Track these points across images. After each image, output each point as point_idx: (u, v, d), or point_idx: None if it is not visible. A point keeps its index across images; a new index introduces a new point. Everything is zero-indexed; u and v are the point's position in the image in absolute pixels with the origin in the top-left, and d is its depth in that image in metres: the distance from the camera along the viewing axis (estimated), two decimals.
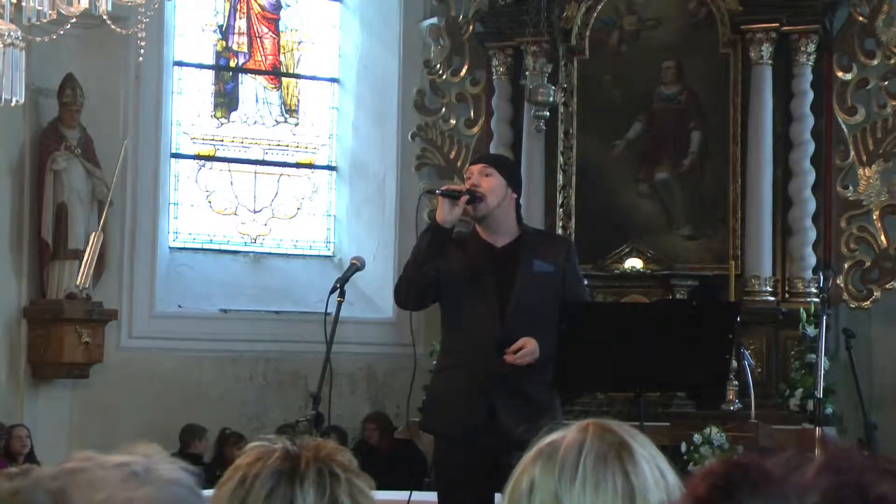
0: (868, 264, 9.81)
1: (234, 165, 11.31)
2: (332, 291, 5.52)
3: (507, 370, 5.32)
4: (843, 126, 9.88)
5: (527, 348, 5.29)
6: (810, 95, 9.78)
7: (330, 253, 11.39)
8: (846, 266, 9.79)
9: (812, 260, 9.73)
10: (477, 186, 5.44)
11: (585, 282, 6.19)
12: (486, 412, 5.36)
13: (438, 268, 5.44)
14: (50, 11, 5.97)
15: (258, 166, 11.37)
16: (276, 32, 11.50)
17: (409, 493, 5.83)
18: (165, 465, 1.23)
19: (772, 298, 9.69)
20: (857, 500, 1.08)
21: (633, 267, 9.79)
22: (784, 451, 1.12)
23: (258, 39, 11.41)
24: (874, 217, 9.82)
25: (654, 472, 1.88)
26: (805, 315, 9.44)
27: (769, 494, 1.08)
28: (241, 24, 11.36)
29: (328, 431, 8.36)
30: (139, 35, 6.29)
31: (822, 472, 1.09)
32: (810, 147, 9.76)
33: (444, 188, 5.71)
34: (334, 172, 11.49)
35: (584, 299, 5.83)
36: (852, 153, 9.86)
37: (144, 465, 1.21)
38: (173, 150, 10.96)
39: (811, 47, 9.76)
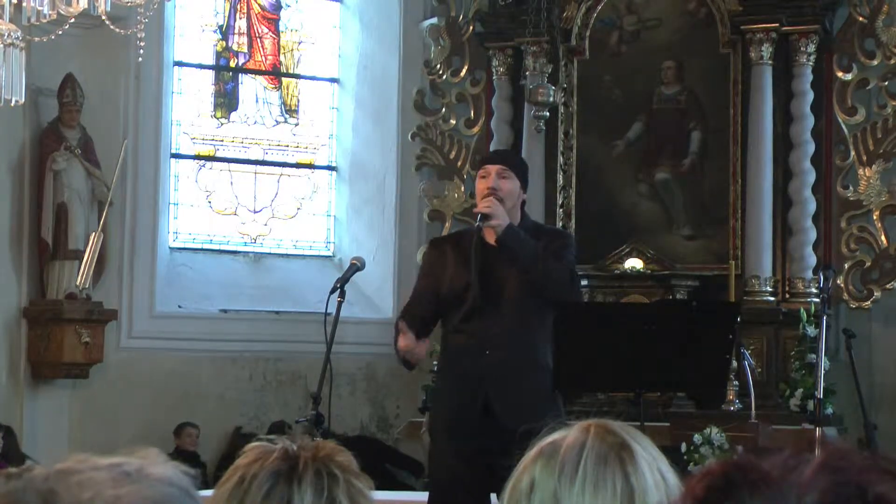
0: (868, 264, 9.80)
1: (234, 165, 11.30)
2: (332, 291, 5.52)
3: (498, 363, 5.32)
4: (843, 126, 9.88)
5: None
6: (810, 95, 9.78)
7: (330, 253, 11.38)
8: (846, 266, 9.78)
9: (812, 260, 9.72)
10: (495, 190, 5.45)
11: (584, 283, 6.10)
12: (480, 408, 5.34)
13: (435, 290, 5.48)
14: (50, 11, 5.97)
15: (258, 166, 11.36)
16: (276, 32, 11.49)
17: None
18: (159, 465, 1.23)
19: (772, 298, 9.69)
20: (855, 500, 1.08)
21: (633, 267, 9.78)
22: (782, 450, 1.12)
23: (258, 39, 11.40)
24: (874, 217, 9.82)
25: (654, 475, 1.88)
26: (805, 315, 9.43)
27: (767, 495, 1.08)
28: (241, 24, 11.35)
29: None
30: (139, 35, 6.29)
31: (820, 472, 1.09)
32: (810, 147, 9.75)
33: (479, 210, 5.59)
34: (334, 172, 11.48)
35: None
36: (852, 153, 9.86)
37: (137, 465, 1.21)
38: (173, 150, 10.95)
39: (811, 47, 9.76)
